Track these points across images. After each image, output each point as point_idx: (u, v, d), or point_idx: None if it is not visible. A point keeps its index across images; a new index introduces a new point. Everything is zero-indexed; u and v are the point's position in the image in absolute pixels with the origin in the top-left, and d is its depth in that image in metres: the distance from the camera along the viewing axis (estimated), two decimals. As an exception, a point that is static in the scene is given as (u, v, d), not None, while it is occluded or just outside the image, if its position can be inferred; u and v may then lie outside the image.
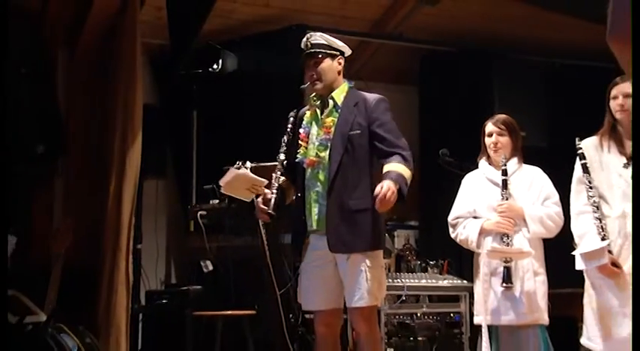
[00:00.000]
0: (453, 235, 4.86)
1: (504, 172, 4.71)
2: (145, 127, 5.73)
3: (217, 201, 5.89)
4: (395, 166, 4.17)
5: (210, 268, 5.92)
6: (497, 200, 4.69)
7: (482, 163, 4.90)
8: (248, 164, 5.19)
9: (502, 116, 4.87)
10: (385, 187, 4.02)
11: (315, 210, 4.42)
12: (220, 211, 5.88)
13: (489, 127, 4.81)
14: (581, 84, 6.68)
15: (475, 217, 4.78)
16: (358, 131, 4.36)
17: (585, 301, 4.46)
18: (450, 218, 4.88)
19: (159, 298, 6.00)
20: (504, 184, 4.70)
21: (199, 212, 5.91)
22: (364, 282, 4.25)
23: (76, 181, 6.05)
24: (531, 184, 4.77)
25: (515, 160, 4.79)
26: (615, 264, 4.25)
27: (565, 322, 5.20)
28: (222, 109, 6.62)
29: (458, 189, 4.95)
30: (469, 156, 5.10)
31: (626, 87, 4.31)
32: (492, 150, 4.79)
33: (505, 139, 4.78)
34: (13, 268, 5.74)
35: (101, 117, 5.91)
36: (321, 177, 4.42)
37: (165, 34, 6.20)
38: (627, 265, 4.25)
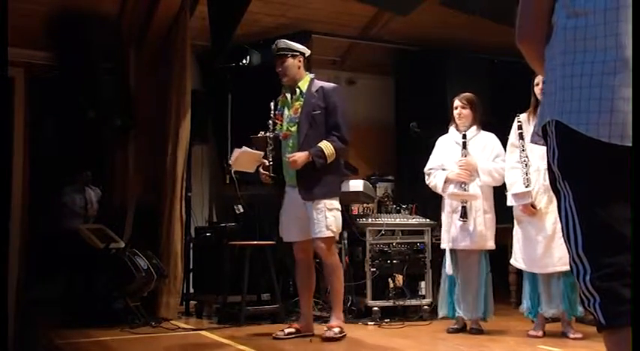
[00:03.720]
0: (427, 182, 4.82)
1: (464, 136, 4.72)
2: (192, 106, 5.80)
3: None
4: (321, 144, 4.36)
5: (241, 210, 5.87)
6: (459, 157, 4.72)
7: (452, 129, 4.85)
8: (244, 148, 5.15)
9: (466, 94, 4.80)
10: (296, 156, 4.32)
11: (288, 169, 4.52)
12: (247, 169, 5.81)
13: (456, 102, 4.78)
14: (512, 74, 6.40)
15: (444, 169, 4.75)
16: (319, 111, 4.45)
17: (513, 232, 4.63)
18: (425, 169, 4.86)
19: (204, 232, 6.02)
20: (464, 145, 4.70)
21: (232, 169, 5.78)
22: (323, 219, 4.37)
23: (143, 146, 6.11)
24: (485, 145, 4.73)
25: (474, 127, 4.76)
26: (533, 205, 4.41)
27: (500, 248, 5.01)
28: (250, 93, 6.14)
29: (425, 152, 4.92)
30: (431, 126, 5.04)
31: None
32: (457, 119, 4.77)
33: (467, 112, 4.74)
34: (100, 209, 5.80)
35: (161, 99, 5.93)
36: (291, 145, 4.50)
37: (208, 37, 6.07)
38: (541, 205, 4.42)
